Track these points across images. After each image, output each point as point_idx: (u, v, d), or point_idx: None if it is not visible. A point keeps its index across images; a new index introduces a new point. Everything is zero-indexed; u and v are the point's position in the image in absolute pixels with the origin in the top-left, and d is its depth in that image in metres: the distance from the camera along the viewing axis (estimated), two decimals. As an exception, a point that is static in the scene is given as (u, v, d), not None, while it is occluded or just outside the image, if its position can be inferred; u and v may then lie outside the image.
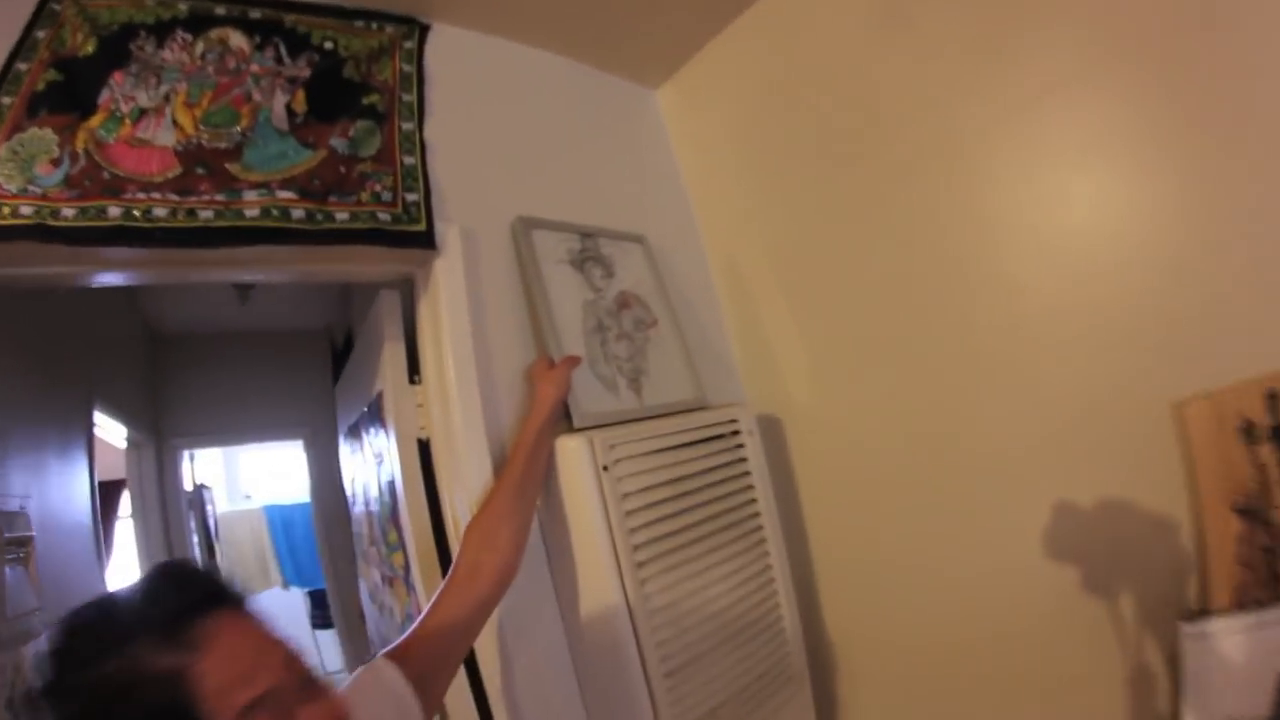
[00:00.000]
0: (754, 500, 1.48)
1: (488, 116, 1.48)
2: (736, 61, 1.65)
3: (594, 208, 1.59)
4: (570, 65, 1.66)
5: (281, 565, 5.01)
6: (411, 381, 1.44)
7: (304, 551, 4.70)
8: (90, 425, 2.61)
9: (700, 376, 1.54)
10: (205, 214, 0.99)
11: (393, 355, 1.47)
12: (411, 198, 1.20)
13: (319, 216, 1.07)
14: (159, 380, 3.49)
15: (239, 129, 1.06)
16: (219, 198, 1.01)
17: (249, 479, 5.58)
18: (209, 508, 3.97)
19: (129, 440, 3.22)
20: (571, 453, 1.18)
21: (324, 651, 3.72)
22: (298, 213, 1.06)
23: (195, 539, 3.69)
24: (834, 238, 1.56)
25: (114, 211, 0.93)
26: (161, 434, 3.49)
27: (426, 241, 1.20)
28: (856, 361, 1.55)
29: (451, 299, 1.25)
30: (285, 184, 1.06)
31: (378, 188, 1.15)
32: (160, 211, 0.96)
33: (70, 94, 0.95)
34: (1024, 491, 1.19)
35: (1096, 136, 1.05)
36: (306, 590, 4.70)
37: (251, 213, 1.02)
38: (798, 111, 1.58)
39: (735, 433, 1.48)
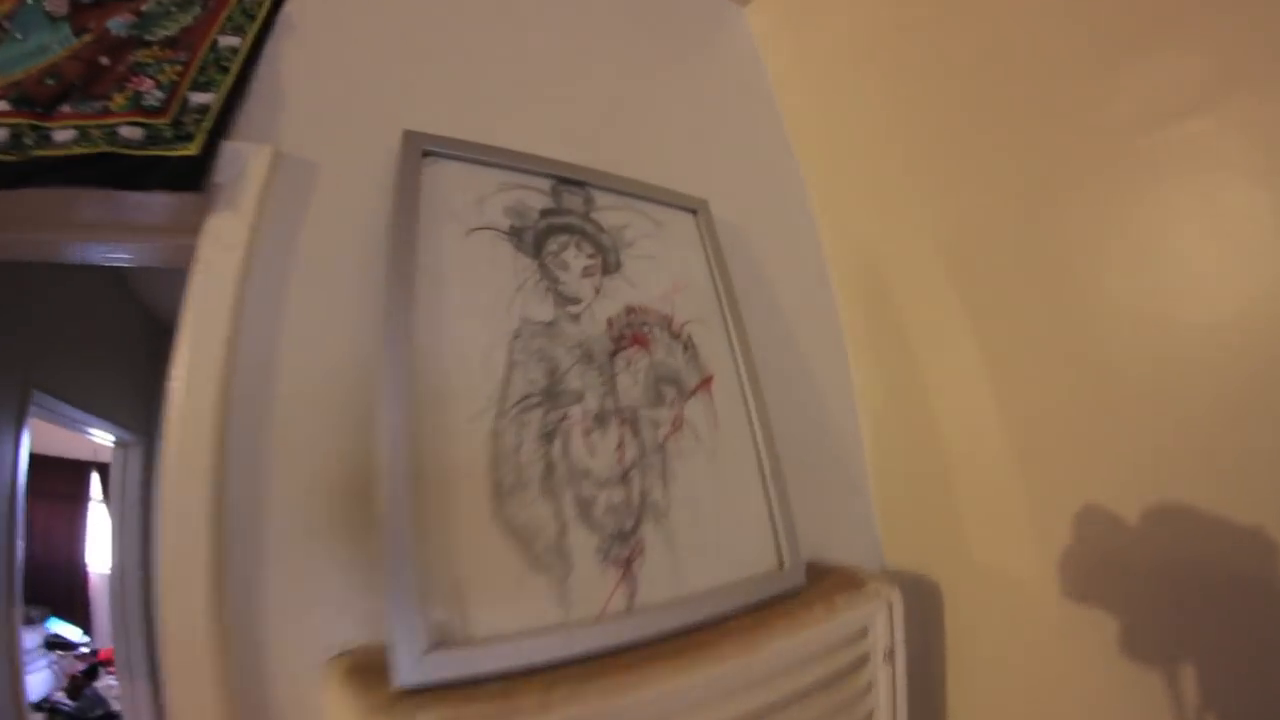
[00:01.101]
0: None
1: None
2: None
3: (597, 139, 0.79)
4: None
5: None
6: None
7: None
8: (23, 409, 2.25)
9: (790, 514, 0.66)
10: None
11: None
12: (199, 99, 0.67)
13: (27, 140, 0.61)
14: (157, 374, 3.00)
15: (-8, 22, 0.67)
16: (-84, 124, 0.62)
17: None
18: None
19: (115, 439, 2.77)
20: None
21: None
22: (-2, 136, 0.60)
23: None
24: (1070, 246, 0.68)
25: None
26: (153, 435, 2.99)
27: (186, 177, 0.62)
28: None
29: (205, 305, 0.51)
30: (5, 91, 0.63)
31: (146, 85, 0.66)
32: None
33: None
34: None
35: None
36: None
37: (-68, 142, 0.60)
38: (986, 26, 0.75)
39: (862, 661, 0.61)
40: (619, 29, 0.94)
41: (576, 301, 0.60)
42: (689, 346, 0.65)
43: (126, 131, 0.62)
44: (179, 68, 0.67)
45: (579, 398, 0.55)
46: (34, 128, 0.61)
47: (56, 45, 0.68)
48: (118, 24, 0.68)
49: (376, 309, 0.56)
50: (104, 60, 0.67)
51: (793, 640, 0.59)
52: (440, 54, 0.75)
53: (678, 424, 0.60)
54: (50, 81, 0.64)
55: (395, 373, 0.47)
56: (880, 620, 0.69)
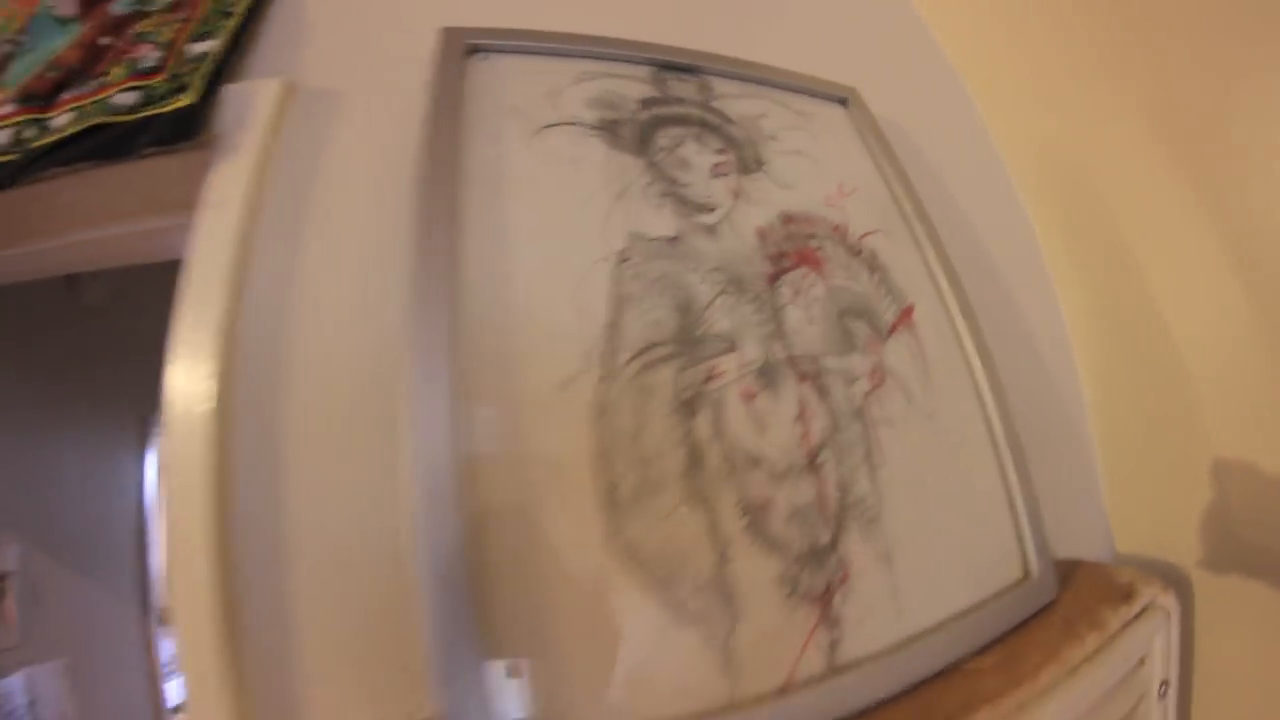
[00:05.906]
0: None
1: None
2: None
3: (702, 24, 0.57)
4: None
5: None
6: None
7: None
8: (143, 446, 2.17)
9: (1034, 496, 0.42)
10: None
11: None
12: (200, 48, 0.52)
13: (27, 135, 0.52)
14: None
15: (9, 35, 0.60)
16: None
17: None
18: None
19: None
20: None
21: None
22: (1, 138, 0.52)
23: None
24: None
25: None
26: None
27: (179, 130, 0.47)
28: None
29: (201, 283, 0.40)
30: (17, 95, 0.54)
31: (143, 51, 0.53)
32: None
33: None
34: None
35: None
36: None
37: (-63, 156, 0.52)
38: None
39: (1136, 704, 0.38)
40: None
41: (709, 208, 0.39)
42: (875, 267, 0.43)
43: (120, 98, 0.51)
44: (179, 24, 0.55)
45: (731, 344, 0.34)
46: (34, 121, 0.53)
47: (65, 43, 0.60)
48: (121, 3, 0.58)
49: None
50: (105, 40, 0.58)
51: (1068, 691, 0.36)
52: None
53: (879, 378, 0.38)
54: (51, 74, 0.55)
55: (430, 322, 0.29)
56: (1159, 643, 0.45)
